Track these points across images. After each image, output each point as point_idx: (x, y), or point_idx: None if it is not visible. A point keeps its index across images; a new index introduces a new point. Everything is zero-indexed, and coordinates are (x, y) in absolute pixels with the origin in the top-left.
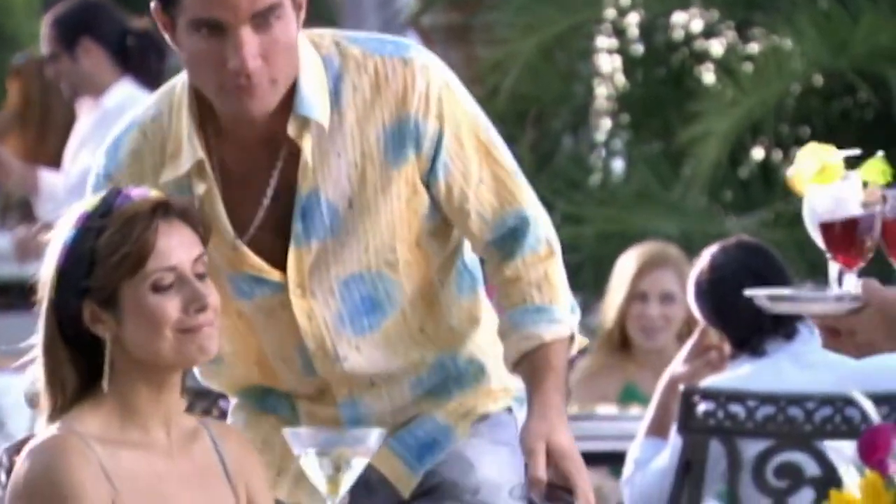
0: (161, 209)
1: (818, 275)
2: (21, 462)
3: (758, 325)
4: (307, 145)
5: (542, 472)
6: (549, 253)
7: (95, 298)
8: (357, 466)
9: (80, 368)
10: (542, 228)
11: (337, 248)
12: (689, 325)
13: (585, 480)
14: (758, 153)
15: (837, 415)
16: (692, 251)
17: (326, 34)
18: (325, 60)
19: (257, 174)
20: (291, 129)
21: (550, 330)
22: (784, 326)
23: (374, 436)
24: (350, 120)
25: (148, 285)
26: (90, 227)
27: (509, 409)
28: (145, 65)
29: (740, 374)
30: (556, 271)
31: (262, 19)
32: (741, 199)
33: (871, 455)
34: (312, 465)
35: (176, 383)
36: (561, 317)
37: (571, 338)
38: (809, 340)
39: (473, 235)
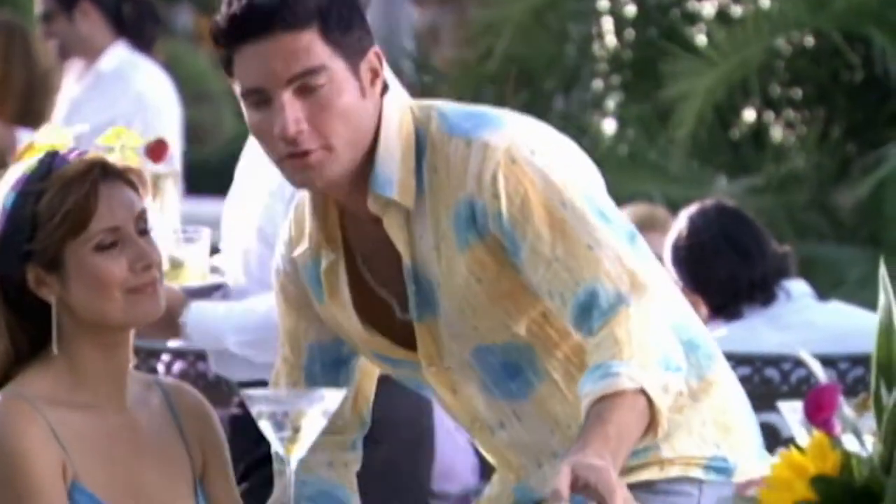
0: (99, 169)
1: (806, 238)
2: None
3: (734, 291)
4: (391, 224)
5: (562, 485)
6: (619, 314)
7: (39, 262)
8: (315, 426)
9: (26, 333)
10: (613, 289)
11: (451, 325)
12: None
13: (609, 485)
14: (749, 115)
15: (813, 376)
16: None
17: (429, 106)
18: (419, 135)
19: (377, 249)
20: (372, 206)
21: (602, 384)
22: (762, 292)
23: (333, 396)
24: (429, 202)
25: (91, 246)
26: (30, 190)
27: (688, 480)
28: (141, 30)
29: (716, 336)
30: (625, 328)
31: (302, 84)
32: (732, 162)
33: (816, 415)
34: (271, 426)
35: (125, 343)
36: (619, 370)
37: (643, 393)
38: (786, 304)
39: (557, 312)
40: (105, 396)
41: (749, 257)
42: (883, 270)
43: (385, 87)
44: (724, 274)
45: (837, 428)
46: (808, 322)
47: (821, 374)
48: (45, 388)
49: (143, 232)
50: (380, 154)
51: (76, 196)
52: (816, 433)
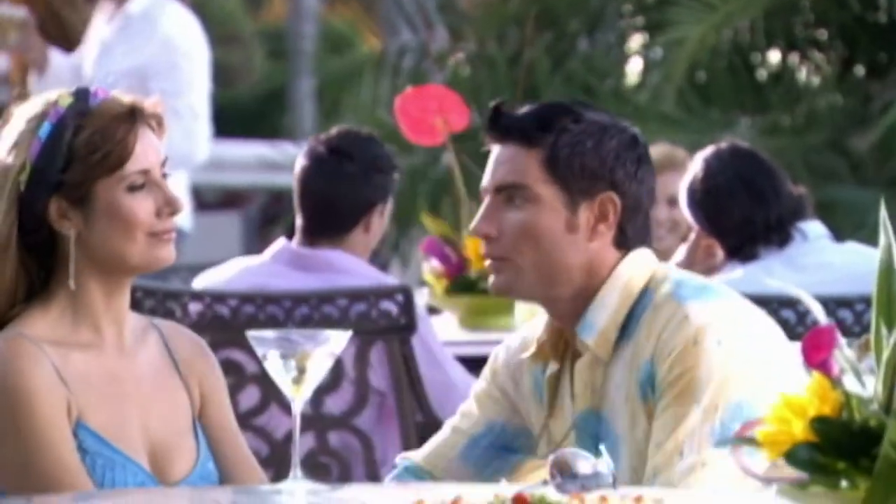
0: (138, 113)
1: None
2: None
3: (750, 233)
4: (582, 366)
5: None
6: None
7: (66, 194)
8: (322, 368)
9: (30, 270)
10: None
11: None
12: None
13: None
14: (774, 56)
15: (830, 317)
16: None
17: (670, 274)
18: (645, 293)
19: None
20: (577, 343)
21: None
22: (777, 233)
23: (339, 338)
24: (629, 357)
25: (124, 186)
26: (67, 123)
27: None
28: None
29: (732, 278)
30: None
31: (505, 195)
32: (756, 105)
33: (814, 356)
34: (276, 368)
35: (128, 285)
36: None
37: None
38: (802, 245)
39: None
40: (107, 337)
41: (764, 199)
42: (883, 211)
43: (623, 242)
44: (740, 216)
45: (836, 369)
46: (824, 263)
47: (821, 315)
48: (48, 328)
49: (165, 177)
50: (596, 301)
51: (119, 135)
52: (816, 374)
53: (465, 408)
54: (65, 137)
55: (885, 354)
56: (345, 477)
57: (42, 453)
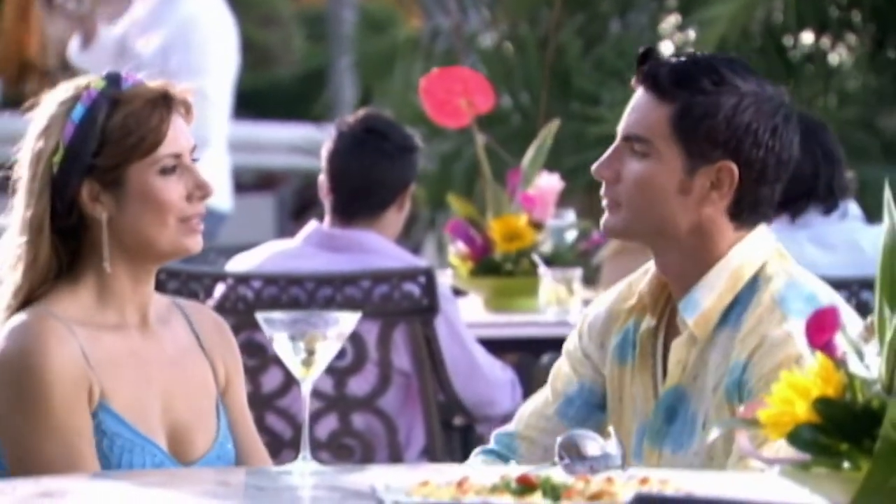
0: (169, 98)
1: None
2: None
3: (809, 188)
4: (679, 343)
5: None
6: None
7: (99, 178)
8: (330, 349)
9: (57, 253)
10: None
11: (676, 461)
12: None
13: None
14: (807, 37)
15: (853, 298)
16: None
17: (785, 270)
18: (756, 283)
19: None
20: (679, 318)
21: None
22: (830, 199)
23: (348, 319)
24: (724, 345)
25: (157, 169)
26: (100, 105)
27: None
28: None
29: None
30: None
31: (630, 144)
32: (788, 85)
33: (817, 337)
34: (286, 349)
35: (154, 271)
36: None
37: None
38: (837, 222)
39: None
40: (131, 319)
41: (833, 161)
42: (888, 193)
43: (737, 213)
44: (809, 169)
45: (839, 350)
46: (853, 243)
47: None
48: (78, 309)
49: (194, 163)
50: (704, 280)
51: (153, 119)
52: (820, 355)
53: (558, 367)
54: (98, 120)
55: (888, 335)
56: (368, 459)
57: (54, 439)
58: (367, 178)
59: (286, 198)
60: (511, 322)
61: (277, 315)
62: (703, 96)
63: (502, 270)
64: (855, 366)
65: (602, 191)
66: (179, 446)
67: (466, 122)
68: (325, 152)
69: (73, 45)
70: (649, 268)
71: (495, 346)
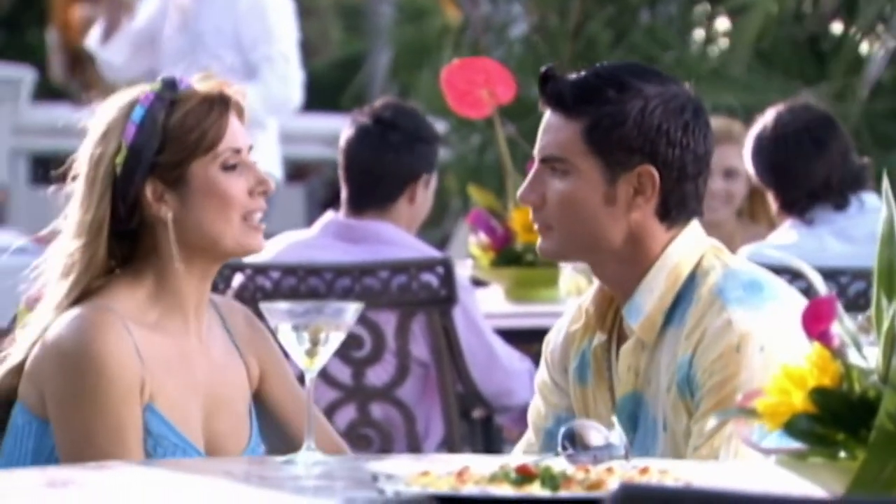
0: (226, 97)
1: (885, 151)
2: (57, 328)
3: (809, 189)
4: (626, 350)
5: None
6: None
7: (162, 176)
8: (334, 340)
9: (112, 254)
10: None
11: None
12: (751, 201)
13: None
14: (837, 27)
15: (872, 290)
16: None
17: (721, 262)
18: (693, 279)
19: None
20: (624, 325)
21: None
22: (835, 196)
23: (351, 309)
24: (670, 345)
25: (219, 164)
26: (160, 105)
27: None
28: None
29: (785, 243)
30: None
31: (549, 165)
32: (818, 74)
33: (814, 327)
34: (289, 339)
35: (215, 271)
36: None
37: None
38: (856, 215)
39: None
40: (189, 323)
41: (829, 157)
42: (886, 183)
43: (665, 213)
44: (802, 169)
45: (836, 340)
46: (874, 235)
47: (821, 286)
48: (135, 308)
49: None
50: (643, 283)
51: (213, 115)
52: (817, 345)
53: (534, 404)
54: (158, 119)
55: (885, 326)
56: (386, 449)
57: (106, 430)
58: (372, 170)
59: (317, 189)
60: (532, 312)
61: (281, 305)
62: (609, 106)
63: (523, 261)
64: (854, 356)
65: (531, 216)
66: (214, 454)
67: (488, 113)
68: (340, 143)
69: (94, 36)
70: (595, 282)
71: (516, 337)
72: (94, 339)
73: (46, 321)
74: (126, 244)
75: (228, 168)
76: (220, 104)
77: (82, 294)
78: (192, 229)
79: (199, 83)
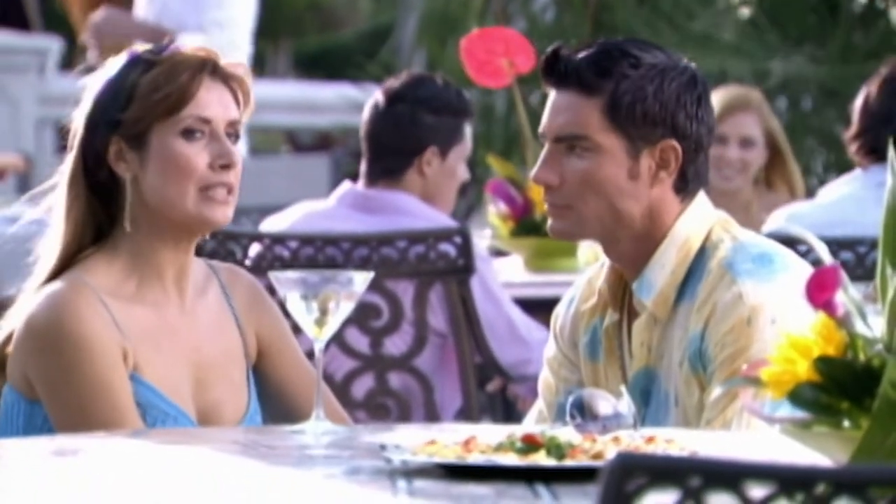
0: (211, 65)
1: None
2: (33, 306)
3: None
4: (639, 325)
5: None
6: None
7: (125, 134)
8: (343, 309)
9: (96, 214)
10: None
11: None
12: (768, 169)
13: None
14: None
15: None
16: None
17: (730, 234)
18: (703, 254)
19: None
20: (635, 301)
21: None
22: None
23: (360, 279)
24: (682, 319)
25: (179, 129)
26: (136, 64)
27: None
28: None
29: (825, 203)
30: None
31: (565, 144)
32: (843, 47)
33: (818, 296)
34: (299, 308)
35: (191, 243)
36: None
37: None
38: None
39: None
40: (171, 294)
41: None
42: (892, 153)
43: (682, 187)
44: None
45: (840, 309)
46: None
47: (826, 255)
48: (111, 280)
49: (231, 137)
50: (654, 259)
51: (182, 78)
52: (822, 314)
53: (543, 377)
54: (130, 76)
55: (890, 295)
56: (404, 418)
57: (100, 398)
58: (379, 141)
59: (342, 158)
60: (551, 282)
61: (289, 274)
62: (627, 81)
63: (542, 230)
64: (857, 325)
65: (545, 198)
66: (209, 422)
67: (507, 83)
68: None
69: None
70: (605, 261)
71: (535, 306)
72: (66, 315)
73: (28, 297)
74: (110, 207)
75: (190, 135)
76: (195, 68)
77: (64, 265)
78: (147, 192)
79: (187, 49)
